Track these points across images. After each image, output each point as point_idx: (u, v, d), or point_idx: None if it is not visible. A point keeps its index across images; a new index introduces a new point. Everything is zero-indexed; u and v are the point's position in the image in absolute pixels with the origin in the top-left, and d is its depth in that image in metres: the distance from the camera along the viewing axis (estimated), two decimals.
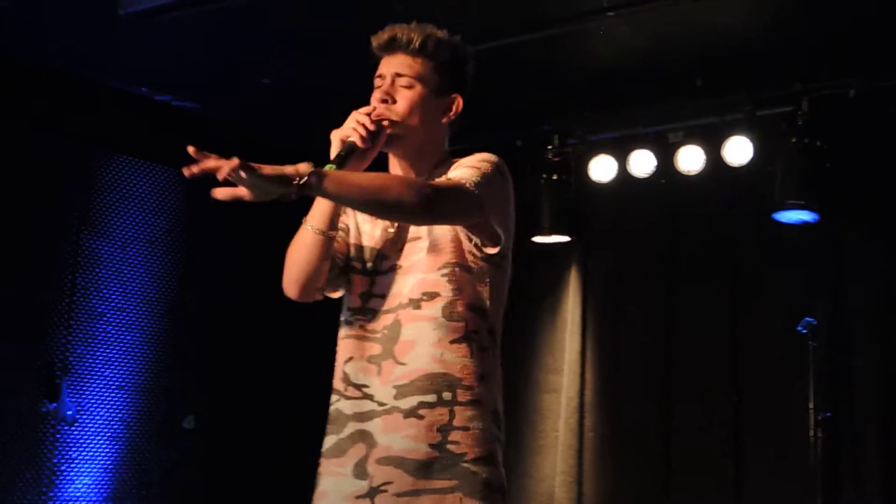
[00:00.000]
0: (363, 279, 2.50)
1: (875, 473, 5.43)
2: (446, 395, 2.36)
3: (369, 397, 2.41)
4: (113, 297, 6.02)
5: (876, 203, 5.61)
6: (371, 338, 2.45)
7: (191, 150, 2.03)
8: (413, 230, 2.48)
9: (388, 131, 2.45)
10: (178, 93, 6.19)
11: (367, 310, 2.47)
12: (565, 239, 6.40)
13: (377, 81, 2.53)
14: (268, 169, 2.05)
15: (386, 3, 4.51)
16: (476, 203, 2.36)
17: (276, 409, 6.43)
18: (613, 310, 6.52)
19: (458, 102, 2.57)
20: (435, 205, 2.30)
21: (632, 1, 4.78)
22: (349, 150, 2.36)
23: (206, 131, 6.41)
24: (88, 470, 5.78)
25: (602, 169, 6.22)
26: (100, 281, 5.96)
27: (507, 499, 2.42)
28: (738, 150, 5.74)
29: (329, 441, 2.47)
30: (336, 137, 2.40)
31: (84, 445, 5.79)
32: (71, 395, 5.62)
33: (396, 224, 2.49)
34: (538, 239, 6.35)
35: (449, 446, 2.34)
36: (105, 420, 5.90)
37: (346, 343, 2.49)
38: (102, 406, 5.90)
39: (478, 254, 2.45)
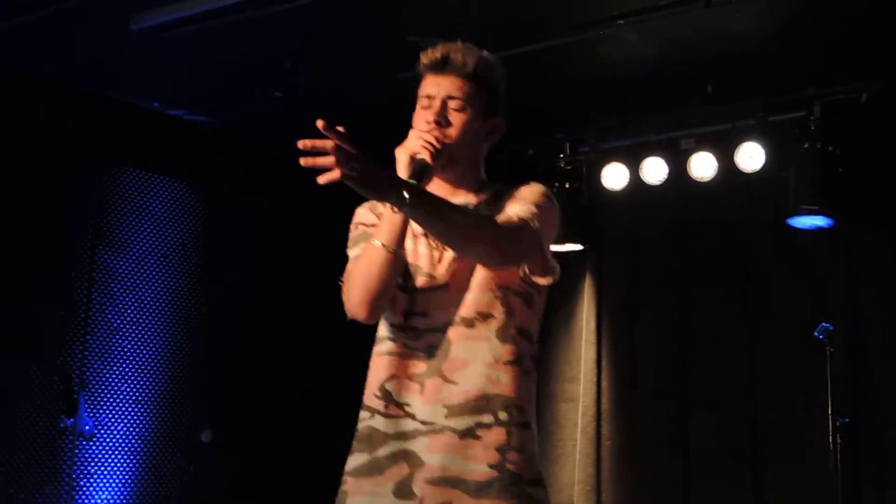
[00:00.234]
0: (405, 296, 2.46)
1: None
2: (503, 416, 2.36)
3: (411, 416, 2.38)
4: (128, 311, 6.04)
5: (890, 207, 5.59)
6: (413, 355, 2.42)
7: (320, 124, 2.06)
8: None
9: (446, 151, 2.43)
10: (190, 107, 6.21)
11: (409, 327, 2.44)
12: (579, 247, 6.39)
13: (424, 101, 2.49)
14: (376, 179, 2.09)
15: (396, 15, 4.53)
16: (537, 242, 2.40)
17: (293, 422, 6.43)
18: (628, 317, 6.51)
19: (502, 126, 2.56)
20: (510, 254, 2.35)
21: (642, 9, 4.78)
22: (423, 168, 2.33)
23: (218, 145, 6.44)
24: (107, 484, 5.80)
25: (614, 177, 6.22)
26: (115, 295, 5.99)
27: None
28: (751, 156, 5.72)
29: (359, 459, 2.43)
30: (402, 155, 2.37)
31: (102, 460, 5.81)
32: (88, 410, 5.64)
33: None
34: (552, 247, 6.33)
35: (508, 465, 2.34)
36: (123, 434, 5.92)
37: (385, 360, 2.44)
38: (120, 420, 5.92)
39: (529, 280, 2.46)
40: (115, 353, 5.94)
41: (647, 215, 6.38)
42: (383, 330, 2.48)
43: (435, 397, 2.37)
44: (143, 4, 4.84)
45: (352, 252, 2.52)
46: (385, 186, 2.13)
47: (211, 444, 6.25)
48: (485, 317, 2.40)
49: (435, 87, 2.48)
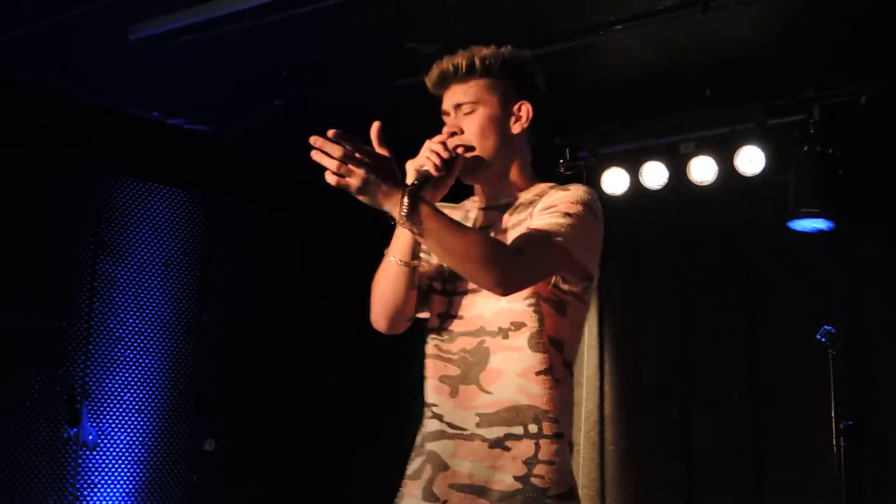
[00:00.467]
0: (442, 299, 2.50)
1: None
2: (532, 428, 2.36)
3: (438, 417, 2.42)
4: (130, 320, 6.05)
5: (890, 208, 5.58)
6: (446, 358, 2.45)
7: (330, 134, 2.12)
8: None
9: (465, 155, 2.44)
10: (190, 116, 6.22)
11: (444, 329, 2.47)
12: None
13: (445, 119, 2.53)
14: (376, 192, 2.14)
15: (397, 23, 4.53)
16: (563, 256, 2.36)
17: (296, 430, 6.43)
18: (630, 322, 6.50)
19: (527, 108, 2.53)
20: (509, 281, 2.29)
21: (641, 14, 4.79)
22: (424, 180, 2.34)
23: (218, 154, 6.45)
24: (111, 494, 5.80)
25: (614, 181, 6.21)
26: (116, 305, 5.99)
27: None
28: (751, 160, 5.72)
29: (414, 464, 2.48)
30: (411, 168, 2.38)
31: (106, 470, 5.81)
32: (91, 419, 5.64)
33: None
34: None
35: (534, 479, 2.33)
36: (126, 444, 5.92)
37: (427, 363, 2.50)
38: (123, 430, 5.92)
39: (561, 287, 2.45)
40: (118, 362, 5.95)
41: (648, 220, 6.37)
42: (426, 332, 2.53)
43: (469, 404, 2.39)
44: (143, 14, 4.84)
45: None
46: (383, 200, 2.16)
47: (213, 453, 6.25)
48: (518, 326, 2.40)
49: (445, 102, 2.52)
